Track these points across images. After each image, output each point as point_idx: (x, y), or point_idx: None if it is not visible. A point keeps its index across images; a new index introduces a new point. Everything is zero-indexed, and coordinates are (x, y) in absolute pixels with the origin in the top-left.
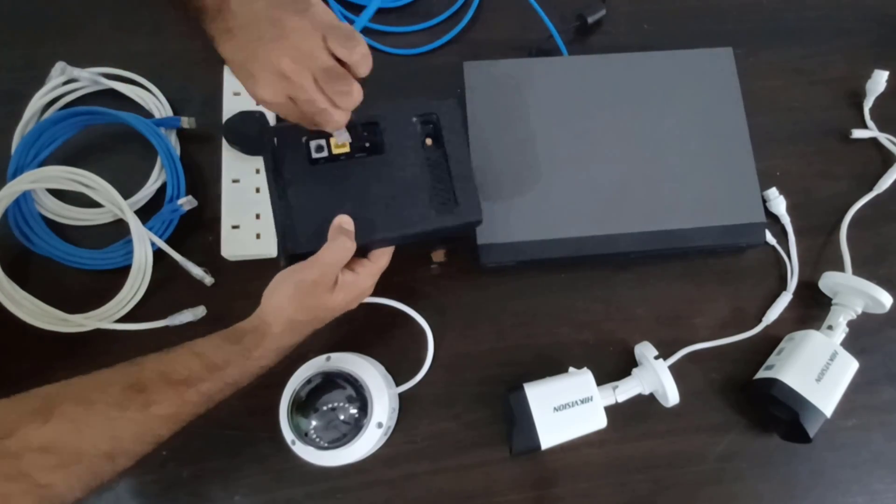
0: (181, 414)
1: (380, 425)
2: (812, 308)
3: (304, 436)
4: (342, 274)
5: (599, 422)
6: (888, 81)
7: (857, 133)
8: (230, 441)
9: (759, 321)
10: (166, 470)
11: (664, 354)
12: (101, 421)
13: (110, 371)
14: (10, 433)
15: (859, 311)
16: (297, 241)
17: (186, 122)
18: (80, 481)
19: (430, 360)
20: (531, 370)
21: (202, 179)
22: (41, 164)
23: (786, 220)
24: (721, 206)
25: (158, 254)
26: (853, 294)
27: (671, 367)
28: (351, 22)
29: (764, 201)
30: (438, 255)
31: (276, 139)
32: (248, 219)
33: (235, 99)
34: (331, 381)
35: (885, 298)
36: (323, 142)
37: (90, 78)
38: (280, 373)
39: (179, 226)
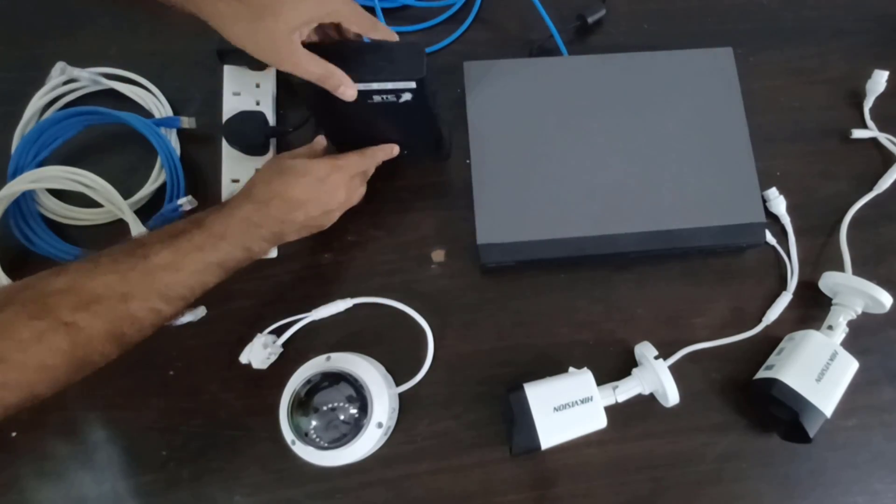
0: (179, 263)
1: (380, 425)
2: (812, 308)
3: (304, 436)
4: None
5: (599, 422)
6: (888, 81)
7: (857, 133)
8: (230, 441)
9: (759, 321)
10: (166, 470)
11: (664, 354)
12: (109, 267)
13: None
14: (27, 286)
15: (859, 311)
16: None
17: (186, 122)
18: (103, 322)
19: (430, 360)
20: (531, 370)
21: (202, 179)
22: (41, 164)
23: (786, 220)
24: (721, 206)
25: None
26: (853, 294)
27: (671, 367)
28: None
29: (764, 201)
30: (438, 255)
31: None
32: None
33: (235, 99)
34: (331, 381)
35: (885, 298)
36: None
37: (90, 78)
38: (280, 373)
39: None
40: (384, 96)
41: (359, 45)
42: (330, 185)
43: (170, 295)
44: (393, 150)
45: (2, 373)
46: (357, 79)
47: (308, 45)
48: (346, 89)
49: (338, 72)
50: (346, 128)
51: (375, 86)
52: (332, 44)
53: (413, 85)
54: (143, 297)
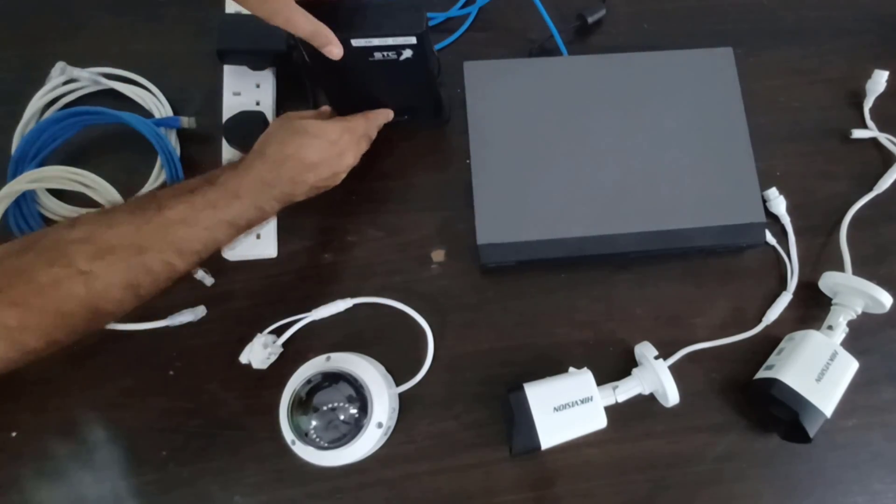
0: (193, 218)
1: (380, 425)
2: (812, 308)
3: (304, 436)
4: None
5: (599, 422)
6: (888, 81)
7: (857, 133)
8: (230, 441)
9: (759, 321)
10: (166, 470)
11: (664, 354)
12: (124, 218)
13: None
14: (45, 235)
15: (859, 311)
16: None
17: (186, 122)
18: (118, 272)
19: (430, 360)
20: (531, 370)
21: None
22: (41, 164)
23: (786, 220)
24: (721, 206)
25: None
26: (853, 294)
27: (671, 367)
28: None
29: (764, 201)
30: (438, 255)
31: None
32: None
33: (235, 99)
34: (331, 381)
35: (885, 298)
36: None
37: (90, 78)
38: (280, 373)
39: None
40: (385, 53)
41: (358, 3)
42: (341, 147)
43: (184, 249)
44: (389, 114)
45: (21, 316)
46: (358, 35)
47: (305, 4)
48: (333, 48)
49: (326, 30)
50: (348, 91)
51: (376, 41)
52: (330, 2)
53: (413, 41)
54: (158, 250)
